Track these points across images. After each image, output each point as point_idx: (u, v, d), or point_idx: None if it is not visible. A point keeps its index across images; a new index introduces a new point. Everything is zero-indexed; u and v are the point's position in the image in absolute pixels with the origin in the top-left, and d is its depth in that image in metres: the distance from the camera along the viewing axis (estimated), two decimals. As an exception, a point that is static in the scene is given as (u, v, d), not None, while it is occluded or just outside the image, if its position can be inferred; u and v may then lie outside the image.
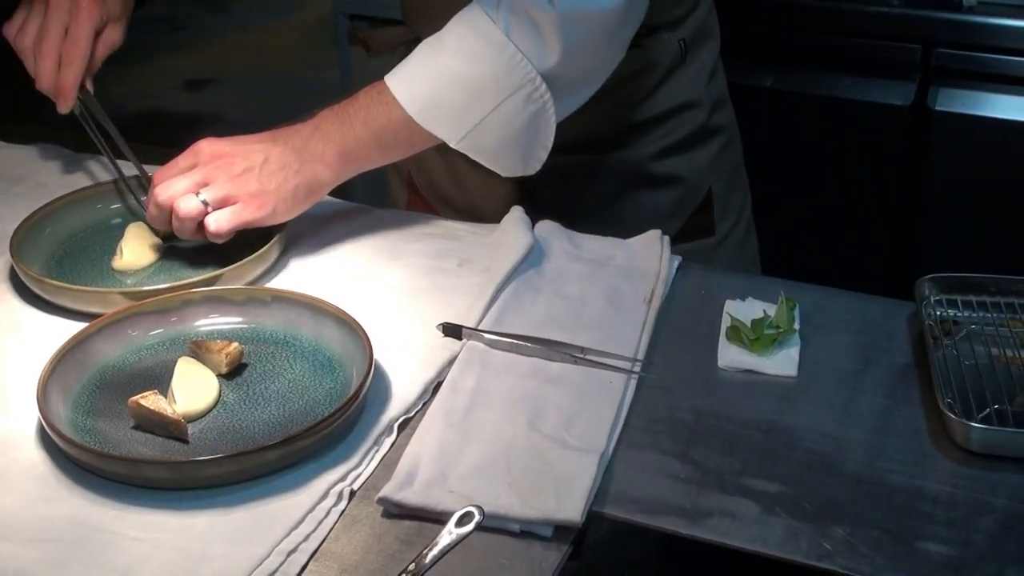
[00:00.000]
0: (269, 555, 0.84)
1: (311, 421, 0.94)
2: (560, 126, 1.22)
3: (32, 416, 0.97)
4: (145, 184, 1.30)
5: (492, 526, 0.86)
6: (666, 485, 0.91)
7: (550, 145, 1.21)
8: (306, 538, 0.86)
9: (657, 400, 1.01)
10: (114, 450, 0.94)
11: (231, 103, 4.54)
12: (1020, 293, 1.10)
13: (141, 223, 1.24)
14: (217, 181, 1.15)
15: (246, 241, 1.23)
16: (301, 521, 0.87)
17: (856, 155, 2.19)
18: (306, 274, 1.20)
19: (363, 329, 1.02)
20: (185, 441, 0.95)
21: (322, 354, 1.05)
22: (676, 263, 1.20)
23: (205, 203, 1.14)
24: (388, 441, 0.96)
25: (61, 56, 1.28)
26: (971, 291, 1.11)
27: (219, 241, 1.16)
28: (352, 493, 0.91)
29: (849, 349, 1.07)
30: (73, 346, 1.02)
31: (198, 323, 1.09)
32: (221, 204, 1.15)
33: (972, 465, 0.93)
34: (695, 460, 0.94)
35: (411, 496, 0.88)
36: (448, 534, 0.85)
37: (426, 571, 0.83)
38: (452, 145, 1.20)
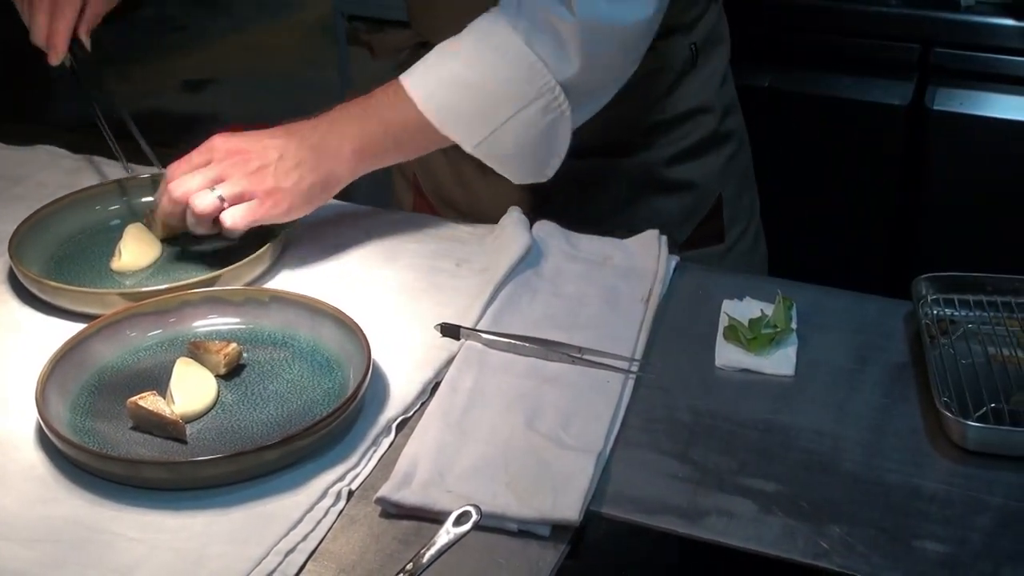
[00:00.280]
0: (267, 555, 0.84)
1: (309, 421, 0.95)
2: (574, 132, 1.22)
3: (31, 417, 0.97)
4: (153, 180, 1.30)
5: (490, 525, 0.87)
6: (664, 484, 0.91)
7: (564, 153, 1.21)
8: (304, 538, 0.86)
9: (655, 400, 1.01)
10: (113, 451, 0.94)
11: (231, 103, 4.54)
12: (1017, 292, 1.10)
13: (140, 224, 1.24)
14: (233, 177, 1.14)
15: (244, 242, 1.23)
16: (299, 521, 0.87)
17: (854, 154, 2.19)
18: (304, 275, 1.20)
19: (361, 329, 1.03)
20: (183, 442, 0.95)
21: (320, 354, 1.05)
22: (674, 263, 1.20)
23: (221, 199, 1.13)
24: (386, 441, 0.97)
25: (53, 9, 1.30)
26: (968, 290, 1.11)
27: (234, 236, 1.16)
28: (350, 493, 0.91)
29: (846, 348, 1.08)
30: (72, 347, 1.02)
31: (196, 324, 1.09)
32: (237, 200, 1.14)
33: (968, 464, 0.93)
34: (693, 459, 0.94)
35: (409, 496, 0.88)
36: (446, 534, 0.85)
37: (424, 570, 0.83)
38: (467, 150, 1.19)
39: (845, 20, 2.18)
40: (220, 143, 1.17)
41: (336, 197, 1.34)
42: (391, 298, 1.15)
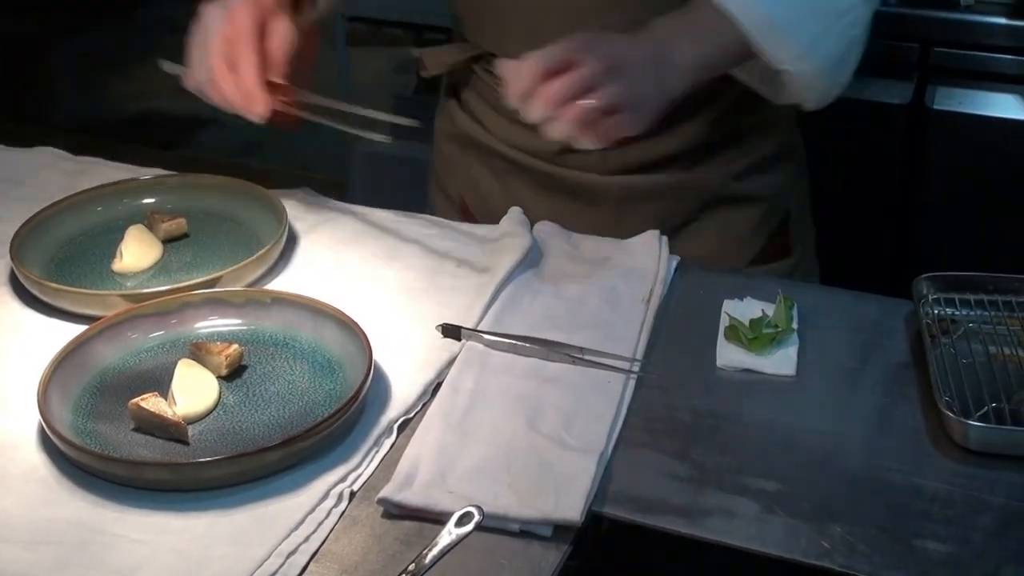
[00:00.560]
0: (269, 556, 0.84)
1: (311, 422, 0.95)
2: (641, 146, 1.21)
3: (33, 419, 0.97)
4: (154, 182, 1.30)
5: (491, 526, 0.87)
6: (665, 484, 0.92)
7: (848, 80, 1.19)
8: (306, 539, 0.86)
9: (656, 400, 1.01)
10: (115, 452, 0.94)
11: (230, 104, 4.53)
12: (1018, 291, 1.10)
13: (141, 226, 1.24)
14: (606, 87, 1.06)
15: (245, 243, 1.23)
16: (301, 522, 0.87)
17: (854, 154, 2.19)
18: (305, 276, 1.20)
19: (362, 330, 1.03)
20: (185, 443, 0.95)
21: (322, 355, 1.05)
22: (674, 263, 1.20)
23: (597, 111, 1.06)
24: (388, 442, 0.97)
25: (232, 74, 1.19)
26: (969, 289, 1.11)
27: (599, 146, 1.08)
28: (352, 494, 0.91)
29: (847, 348, 1.08)
30: (73, 349, 1.02)
31: (198, 325, 1.09)
32: (610, 112, 1.07)
33: (970, 463, 0.93)
34: (694, 459, 0.94)
35: (411, 497, 0.88)
36: (448, 534, 0.85)
37: (426, 571, 0.83)
38: (781, 66, 1.15)
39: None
40: (588, 46, 1.07)
41: (332, 195, 1.35)
42: (392, 299, 1.15)
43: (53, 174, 1.40)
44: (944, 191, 2.17)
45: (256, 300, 1.10)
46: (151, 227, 1.25)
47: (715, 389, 1.03)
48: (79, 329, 1.06)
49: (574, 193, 1.32)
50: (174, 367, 1.01)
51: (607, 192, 1.31)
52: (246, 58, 1.18)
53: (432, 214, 1.46)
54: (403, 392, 1.01)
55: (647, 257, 1.19)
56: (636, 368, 1.04)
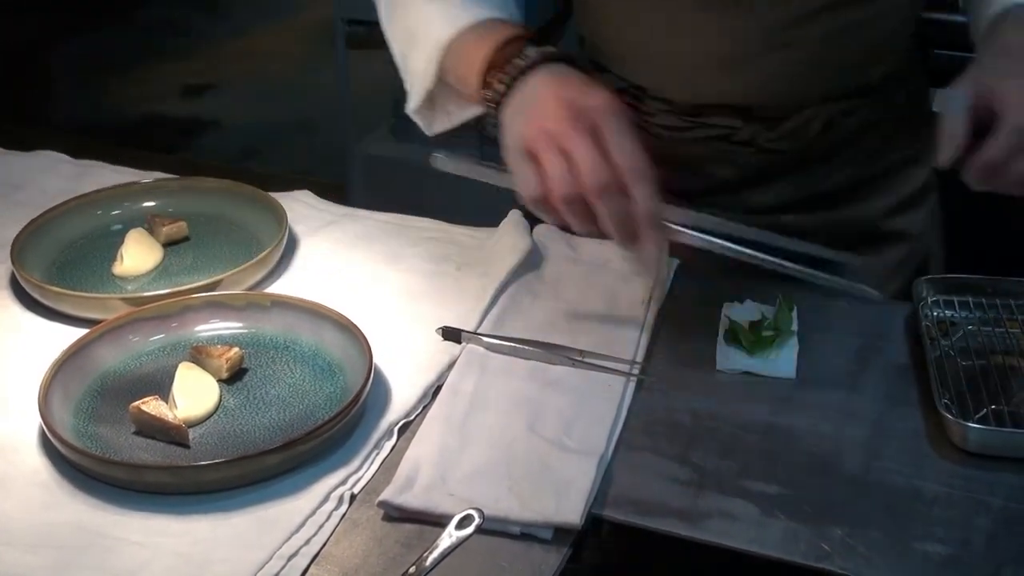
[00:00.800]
0: (270, 559, 0.84)
1: (311, 425, 0.95)
2: (791, 182, 1.21)
3: (34, 422, 0.97)
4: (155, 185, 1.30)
5: (492, 529, 0.87)
6: (665, 487, 0.92)
7: None
8: (307, 542, 0.86)
9: (656, 402, 1.02)
10: (116, 456, 0.94)
11: (231, 108, 4.54)
12: (1017, 294, 1.10)
13: (141, 229, 1.25)
14: None
15: (245, 246, 1.24)
16: (302, 525, 0.87)
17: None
18: (305, 279, 1.20)
19: (363, 333, 1.03)
20: (186, 446, 0.96)
21: (322, 359, 1.05)
22: (674, 265, 1.20)
23: None
24: (388, 445, 0.97)
25: (620, 179, 0.95)
26: (968, 292, 1.11)
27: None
28: (353, 497, 0.91)
29: (847, 350, 1.08)
30: (74, 352, 1.02)
31: (198, 328, 1.09)
32: None
33: (969, 465, 0.93)
34: (694, 462, 0.94)
35: (411, 499, 0.88)
36: (448, 537, 0.85)
37: (426, 574, 0.83)
38: None
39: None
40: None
41: (332, 199, 1.35)
42: (392, 302, 1.15)
43: (54, 178, 1.40)
44: (944, 193, 2.17)
45: (256, 303, 1.10)
46: (152, 230, 1.26)
47: (715, 392, 1.03)
48: (80, 332, 1.06)
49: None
50: (175, 370, 1.02)
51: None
52: (638, 186, 0.94)
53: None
54: (403, 395, 1.01)
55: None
56: (636, 371, 1.04)
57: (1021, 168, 0.96)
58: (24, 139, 1.54)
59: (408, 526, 0.88)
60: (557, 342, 1.06)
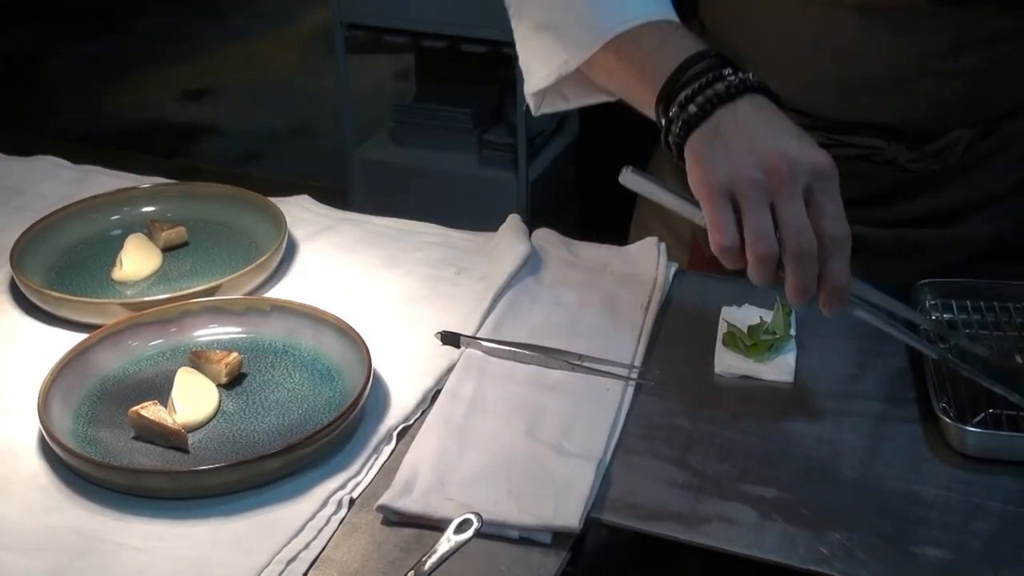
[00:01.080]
0: (269, 563, 0.84)
1: (311, 430, 0.95)
2: (922, 198, 1.19)
3: (33, 427, 0.97)
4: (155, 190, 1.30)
5: (491, 533, 0.87)
6: (663, 491, 0.92)
7: None
8: (306, 546, 0.86)
9: (654, 406, 1.02)
10: (115, 460, 0.94)
11: (230, 113, 4.55)
12: (1015, 298, 1.11)
13: (141, 234, 1.25)
14: None
15: (244, 251, 1.24)
16: (301, 529, 0.87)
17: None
18: (304, 283, 1.20)
19: (362, 338, 1.03)
20: (185, 451, 0.96)
21: (321, 363, 1.05)
22: (673, 270, 1.20)
23: None
24: (387, 449, 0.97)
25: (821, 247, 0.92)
26: (968, 296, 1.11)
27: None
28: (352, 501, 0.91)
29: (845, 354, 1.08)
30: (73, 357, 1.02)
31: (198, 333, 1.10)
32: None
33: (968, 469, 0.93)
34: (692, 466, 0.94)
35: (410, 504, 0.89)
36: (447, 541, 0.85)
37: (425, 578, 0.83)
38: None
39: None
40: None
41: (332, 203, 1.35)
42: (391, 306, 1.16)
43: (53, 183, 1.40)
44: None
45: (256, 308, 1.11)
46: (151, 235, 1.26)
47: (714, 396, 1.03)
48: (79, 337, 1.06)
49: None
50: (174, 375, 1.02)
51: (873, 244, 1.22)
52: (838, 259, 0.92)
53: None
54: (402, 399, 1.02)
55: (646, 264, 1.20)
56: (635, 375, 1.04)
57: None
58: (24, 145, 1.54)
59: (407, 530, 0.88)
60: (556, 346, 1.07)
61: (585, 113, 3.35)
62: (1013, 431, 0.94)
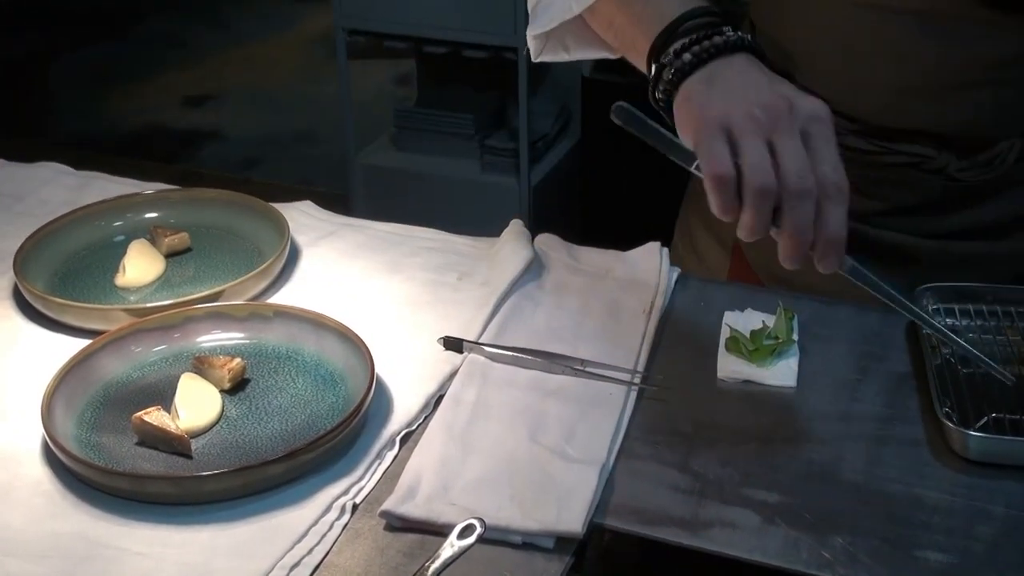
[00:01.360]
0: (272, 569, 0.84)
1: (314, 435, 0.95)
2: (970, 210, 1.17)
3: (37, 433, 0.98)
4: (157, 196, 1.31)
5: (494, 538, 0.87)
6: (666, 496, 0.92)
7: None
8: (309, 552, 0.86)
9: (657, 411, 1.02)
10: (118, 466, 0.94)
11: (231, 118, 4.55)
12: (1017, 302, 1.11)
13: (144, 240, 1.25)
14: None
15: (247, 257, 1.24)
16: (304, 535, 0.87)
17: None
18: (307, 289, 1.20)
19: (364, 343, 1.03)
20: (189, 456, 0.96)
21: (324, 369, 1.05)
22: (675, 275, 1.20)
23: None
24: (390, 455, 0.97)
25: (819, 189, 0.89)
26: (969, 300, 1.11)
27: None
28: (355, 507, 0.91)
29: (848, 359, 1.08)
30: (77, 363, 1.03)
31: (201, 339, 1.10)
32: None
33: (970, 473, 0.93)
34: (695, 471, 0.94)
35: (413, 509, 0.89)
36: (450, 547, 0.85)
37: (429, 583, 0.83)
38: None
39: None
40: None
41: (334, 208, 1.35)
42: (394, 312, 1.16)
43: (56, 189, 1.40)
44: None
45: (258, 314, 1.11)
46: (154, 241, 1.26)
47: (716, 400, 1.03)
48: (82, 343, 1.06)
49: (885, 253, 1.21)
50: (177, 381, 1.02)
51: (920, 255, 1.22)
52: (836, 206, 0.89)
53: (679, 249, 1.40)
54: (405, 405, 1.02)
55: (648, 269, 1.20)
56: (637, 380, 1.04)
57: None
58: (26, 151, 1.54)
59: (410, 536, 0.88)
60: (558, 351, 1.07)
61: (586, 118, 3.35)
62: (1016, 435, 0.94)
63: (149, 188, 1.36)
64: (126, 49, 5.28)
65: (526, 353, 1.06)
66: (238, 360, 1.04)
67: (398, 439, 0.98)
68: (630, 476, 0.94)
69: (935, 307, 1.11)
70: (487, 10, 3.02)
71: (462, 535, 0.86)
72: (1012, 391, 0.98)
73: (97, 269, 1.24)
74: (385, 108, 3.72)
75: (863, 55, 1.15)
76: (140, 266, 1.21)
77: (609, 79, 3.19)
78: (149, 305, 1.13)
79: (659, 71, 0.98)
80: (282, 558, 0.85)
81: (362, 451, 0.96)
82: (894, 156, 1.17)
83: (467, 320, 1.12)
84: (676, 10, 1.00)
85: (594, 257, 1.23)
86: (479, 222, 1.41)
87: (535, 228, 1.27)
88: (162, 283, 1.22)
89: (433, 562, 0.84)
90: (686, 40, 0.97)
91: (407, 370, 1.06)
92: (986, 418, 0.96)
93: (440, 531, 0.87)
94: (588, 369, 1.05)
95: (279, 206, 1.30)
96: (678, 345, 1.11)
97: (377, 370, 1.00)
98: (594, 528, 0.89)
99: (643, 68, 1.03)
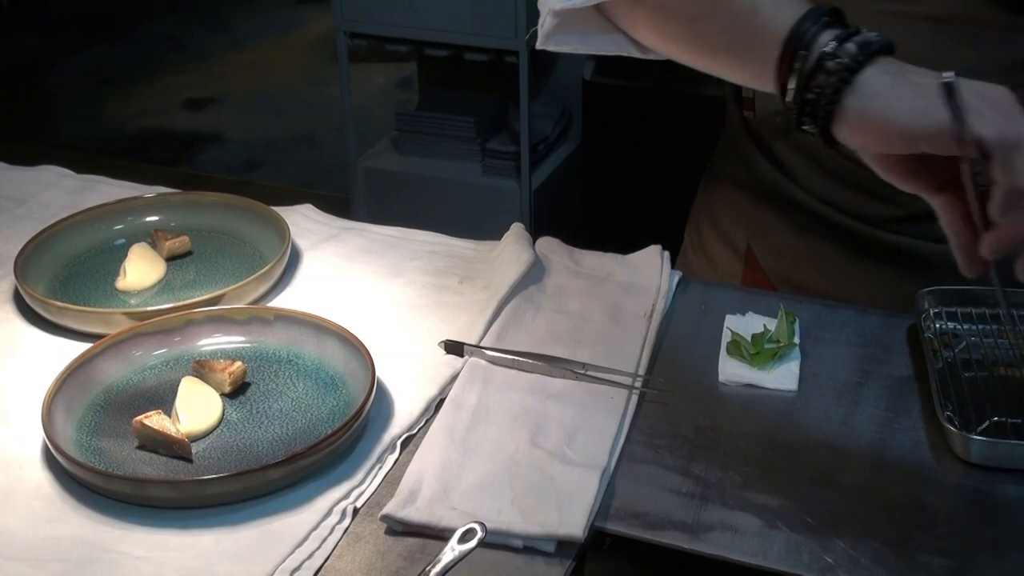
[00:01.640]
0: (273, 573, 0.84)
1: (314, 439, 0.95)
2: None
3: (37, 436, 0.98)
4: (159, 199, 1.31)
5: (495, 542, 0.87)
6: (667, 500, 0.92)
7: None
8: (310, 556, 0.86)
9: (658, 415, 1.02)
10: (119, 470, 0.94)
11: (232, 121, 4.56)
12: (1019, 305, 1.10)
13: (144, 244, 1.25)
14: None
15: (248, 260, 1.24)
16: (305, 539, 0.87)
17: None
18: (308, 292, 1.20)
19: (365, 347, 1.03)
20: (189, 460, 0.96)
21: (325, 372, 1.05)
22: (676, 278, 1.20)
23: None
24: (391, 458, 0.97)
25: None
26: (970, 303, 1.11)
27: None
28: (355, 511, 0.91)
29: (849, 362, 1.08)
30: (77, 366, 1.03)
31: (201, 343, 1.10)
32: None
33: (972, 477, 0.93)
34: (696, 475, 0.94)
35: (414, 513, 0.89)
36: (451, 551, 0.85)
37: (430, 588, 0.83)
38: None
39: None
40: None
41: (335, 212, 1.35)
42: (395, 315, 1.16)
43: (56, 192, 1.40)
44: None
45: (259, 317, 1.11)
46: (155, 245, 1.26)
47: (717, 404, 1.03)
48: (83, 347, 1.06)
49: (900, 259, 1.21)
50: (178, 384, 1.02)
51: (938, 260, 1.18)
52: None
53: (689, 254, 1.40)
54: (406, 408, 1.02)
55: (649, 272, 1.20)
56: (639, 383, 1.04)
57: None
58: (27, 154, 1.54)
59: (411, 540, 0.88)
60: (560, 355, 1.07)
61: (588, 121, 3.35)
62: (1018, 439, 0.94)
63: (150, 191, 1.36)
64: (127, 52, 5.29)
65: (527, 357, 1.06)
66: (239, 364, 1.04)
67: (399, 443, 0.98)
68: (631, 480, 0.94)
69: (935, 310, 1.11)
70: (488, 13, 3.02)
71: (463, 539, 0.86)
72: (1014, 394, 0.98)
73: (98, 272, 1.24)
74: (386, 111, 3.72)
75: None
76: (141, 270, 1.21)
77: (610, 82, 3.19)
78: (150, 309, 1.13)
79: (807, 80, 0.93)
80: (283, 562, 0.85)
81: (363, 455, 0.96)
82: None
83: (468, 323, 1.12)
84: (787, 11, 0.94)
85: (595, 260, 1.23)
86: (480, 225, 1.41)
87: (536, 231, 1.27)
88: (163, 287, 1.22)
89: (434, 566, 0.84)
90: (828, 49, 0.92)
91: (408, 374, 1.06)
92: (988, 422, 0.96)
93: (441, 535, 0.87)
94: (589, 373, 1.05)
95: (280, 209, 1.30)
96: (679, 348, 1.11)
97: (378, 374, 1.00)
98: (595, 532, 0.89)
99: (717, 70, 1.01)
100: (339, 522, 0.89)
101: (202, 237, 1.29)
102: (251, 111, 4.65)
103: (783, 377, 1.05)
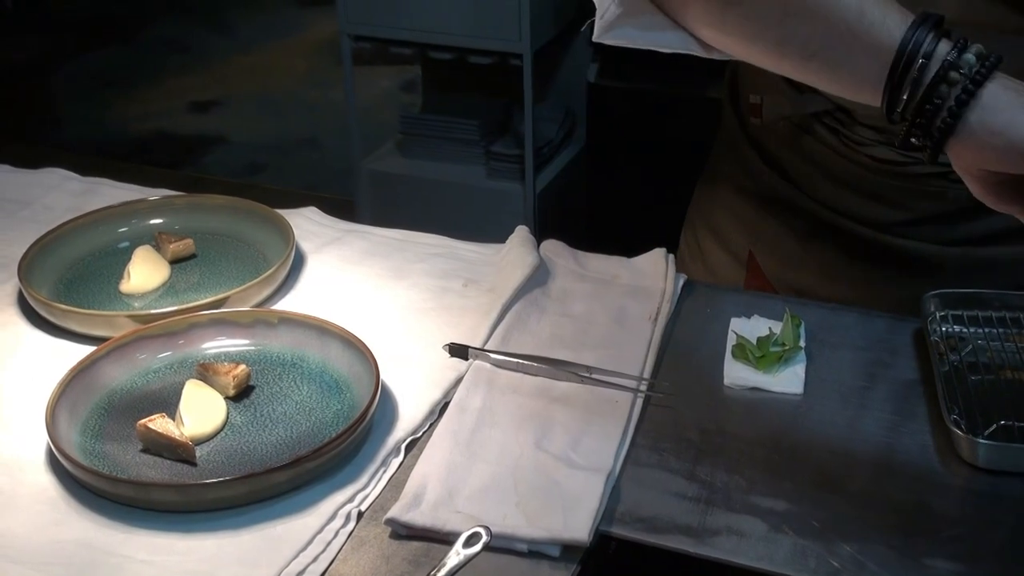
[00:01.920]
0: (277, 577, 0.84)
1: (319, 443, 0.95)
2: (997, 217, 1.17)
3: (41, 440, 0.97)
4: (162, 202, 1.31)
5: (500, 546, 0.86)
6: (673, 503, 0.91)
7: None
8: (314, 560, 0.86)
9: (663, 419, 1.01)
10: (122, 473, 0.94)
11: (236, 124, 4.56)
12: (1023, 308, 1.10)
13: (148, 246, 1.25)
14: None
15: (252, 263, 1.24)
16: (309, 543, 0.87)
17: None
18: (312, 296, 1.20)
19: (370, 350, 1.03)
20: (193, 464, 0.96)
21: (329, 375, 1.05)
22: (681, 281, 1.20)
23: None
24: (395, 462, 0.97)
25: None
26: (976, 306, 1.11)
27: None
28: (360, 514, 0.91)
29: (855, 366, 1.07)
30: (81, 369, 1.02)
31: (205, 346, 1.09)
32: None
33: (979, 481, 0.93)
34: (702, 478, 0.94)
35: (419, 517, 0.88)
36: (456, 555, 0.85)
37: (434, 592, 0.83)
38: None
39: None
40: None
41: (338, 215, 1.35)
42: (399, 318, 1.15)
43: (60, 195, 1.40)
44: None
45: (263, 320, 1.10)
46: (159, 248, 1.26)
47: (723, 408, 1.03)
48: (87, 350, 1.06)
49: (905, 262, 1.21)
50: (182, 388, 1.01)
51: (944, 263, 1.21)
52: None
53: (688, 260, 1.39)
54: (410, 412, 1.01)
55: (654, 275, 1.19)
56: (644, 387, 1.04)
57: None
58: (31, 156, 1.54)
59: (415, 544, 0.88)
60: (564, 358, 1.06)
61: (592, 124, 3.35)
62: (1025, 443, 0.94)
63: (154, 194, 1.36)
64: (132, 55, 5.29)
65: (532, 360, 1.06)
66: (243, 367, 1.04)
67: (403, 446, 0.98)
68: (636, 484, 0.94)
69: (942, 313, 1.11)
70: (493, 16, 3.02)
71: (468, 543, 0.85)
72: (1021, 398, 0.98)
73: (102, 275, 1.24)
74: (390, 114, 3.72)
75: None
76: (145, 272, 1.21)
77: (615, 85, 3.19)
78: (154, 312, 1.13)
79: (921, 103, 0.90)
80: (287, 566, 0.85)
81: (367, 458, 0.96)
82: (922, 166, 1.15)
83: (472, 327, 1.12)
84: (894, 17, 0.90)
85: (600, 263, 1.23)
86: (485, 228, 1.41)
87: (540, 234, 1.27)
88: (167, 289, 1.21)
89: (439, 570, 0.84)
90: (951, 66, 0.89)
91: (412, 377, 1.06)
92: (995, 425, 0.95)
93: (446, 539, 0.87)
94: (594, 376, 1.04)
95: (284, 212, 1.30)
96: (684, 352, 1.11)
97: (382, 377, 1.00)
98: (600, 536, 0.88)
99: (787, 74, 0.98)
100: (343, 526, 0.89)
101: (206, 240, 1.29)
102: (255, 114, 4.65)
103: (789, 381, 1.05)
